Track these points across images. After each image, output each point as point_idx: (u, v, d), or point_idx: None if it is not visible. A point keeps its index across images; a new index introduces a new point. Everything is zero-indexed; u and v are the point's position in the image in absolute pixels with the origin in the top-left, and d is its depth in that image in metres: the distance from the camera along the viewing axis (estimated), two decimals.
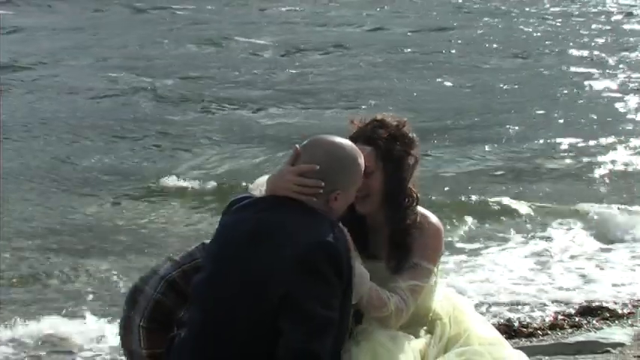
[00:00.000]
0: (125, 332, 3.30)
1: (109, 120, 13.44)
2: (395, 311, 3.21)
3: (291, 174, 3.04)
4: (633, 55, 20.10)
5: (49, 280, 7.19)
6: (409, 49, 21.46)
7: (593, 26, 25.17)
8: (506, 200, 8.96)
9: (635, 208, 8.66)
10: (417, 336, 3.28)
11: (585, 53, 20.56)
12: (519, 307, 6.50)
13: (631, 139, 11.71)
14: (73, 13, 28.55)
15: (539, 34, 24.08)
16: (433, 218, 3.40)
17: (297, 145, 3.11)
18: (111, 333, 5.93)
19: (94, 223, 8.72)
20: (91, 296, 6.85)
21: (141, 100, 15.20)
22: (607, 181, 9.98)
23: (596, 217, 8.35)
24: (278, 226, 2.98)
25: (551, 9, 30.42)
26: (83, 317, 6.37)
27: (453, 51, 21.18)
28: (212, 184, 9.80)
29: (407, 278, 3.27)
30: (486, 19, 27.06)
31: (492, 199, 9.03)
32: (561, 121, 13.25)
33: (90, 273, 7.30)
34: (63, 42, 22.58)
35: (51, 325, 6.19)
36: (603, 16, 27.88)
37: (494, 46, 21.87)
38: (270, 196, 3.11)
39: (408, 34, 24.31)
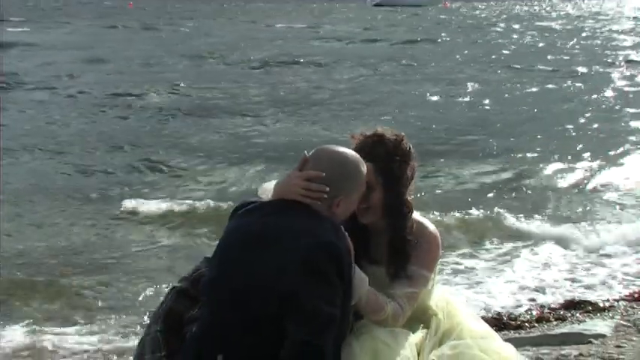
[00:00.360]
0: (142, 343, 3.31)
1: (113, 133, 13.43)
2: (392, 316, 3.22)
3: (299, 179, 3.09)
4: (619, 69, 20.18)
5: (33, 296, 6.93)
6: (403, 61, 21.55)
7: (577, 41, 25.28)
8: (495, 211, 9.06)
9: (610, 222, 8.87)
10: (414, 331, 3.30)
11: (572, 67, 20.65)
12: (509, 302, 6.61)
13: (620, 154, 11.86)
14: (89, 29, 28.63)
15: (525, 48, 24.19)
16: (431, 227, 3.41)
17: (306, 152, 3.17)
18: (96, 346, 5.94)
19: (86, 239, 8.46)
20: (80, 312, 6.65)
21: (144, 113, 15.24)
22: (591, 196, 10.11)
23: (576, 228, 8.55)
24: (286, 230, 2.96)
25: (536, 23, 30.53)
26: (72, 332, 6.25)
27: (448, 63, 21.28)
28: (212, 199, 9.60)
29: (405, 285, 3.29)
30: (478, 33, 27.17)
31: (484, 210, 9.12)
32: (551, 134, 13.28)
33: (76, 291, 7.04)
34: (78, 56, 22.66)
35: (26, 339, 6.06)
36: (584, 32, 27.98)
37: (484, 59, 21.99)
38: (276, 200, 3.10)
39: (401, 46, 24.41)
